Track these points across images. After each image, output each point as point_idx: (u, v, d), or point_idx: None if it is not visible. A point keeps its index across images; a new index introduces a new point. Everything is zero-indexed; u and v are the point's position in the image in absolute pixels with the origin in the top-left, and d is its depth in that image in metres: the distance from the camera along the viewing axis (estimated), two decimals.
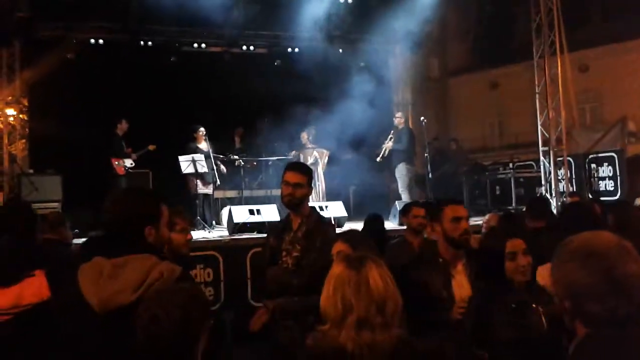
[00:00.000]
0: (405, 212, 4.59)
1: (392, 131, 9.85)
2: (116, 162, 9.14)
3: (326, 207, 8.45)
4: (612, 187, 10.50)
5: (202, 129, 9.26)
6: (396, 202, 9.34)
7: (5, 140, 10.34)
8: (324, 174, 10.04)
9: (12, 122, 10.55)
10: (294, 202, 3.37)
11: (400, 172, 9.56)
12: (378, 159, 9.80)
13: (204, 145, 9.18)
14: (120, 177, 9.17)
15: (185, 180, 9.05)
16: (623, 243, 1.47)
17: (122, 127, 9.44)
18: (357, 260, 1.86)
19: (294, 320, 3.19)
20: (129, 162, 9.27)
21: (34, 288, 2.69)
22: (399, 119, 10.01)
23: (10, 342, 2.59)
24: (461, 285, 3.03)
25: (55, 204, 8.47)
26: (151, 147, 9.51)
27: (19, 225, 3.31)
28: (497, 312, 2.62)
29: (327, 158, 10.05)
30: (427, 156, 9.69)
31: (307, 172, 3.47)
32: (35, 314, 2.63)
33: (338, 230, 3.84)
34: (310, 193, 3.48)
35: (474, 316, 2.75)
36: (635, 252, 1.46)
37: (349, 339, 1.71)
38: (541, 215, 4.48)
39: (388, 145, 9.70)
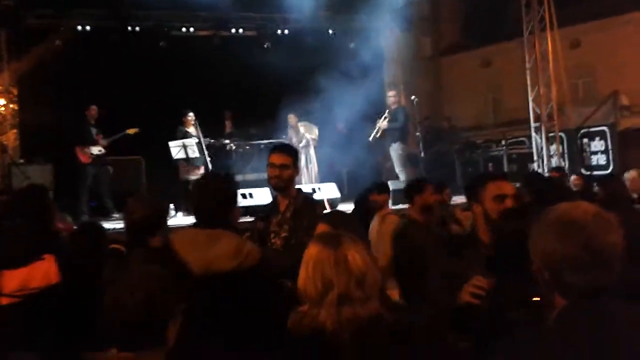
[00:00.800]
0: (418, 189, 4.33)
1: (386, 110, 9.77)
2: (81, 151, 8.65)
3: (319, 188, 8.45)
4: (604, 161, 10.51)
5: (191, 113, 9.20)
6: (389, 182, 9.33)
7: None
8: (317, 155, 10.02)
9: (2, 112, 10.49)
10: (281, 184, 3.36)
11: (396, 151, 9.49)
12: (371, 139, 9.73)
13: (192, 129, 9.13)
14: (87, 166, 8.68)
15: (178, 166, 9.01)
16: (602, 213, 1.46)
17: (91, 113, 8.95)
18: (333, 238, 1.86)
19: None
20: (96, 150, 8.71)
21: (42, 271, 2.71)
22: (393, 98, 9.91)
23: (17, 324, 2.60)
24: None
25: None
26: (131, 131, 8.96)
27: (33, 209, 3.31)
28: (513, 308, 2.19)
29: (316, 134, 10.03)
30: (419, 135, 9.68)
31: (292, 153, 3.47)
32: (43, 298, 2.64)
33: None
34: (297, 174, 3.48)
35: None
36: (615, 223, 1.45)
37: (329, 317, 1.71)
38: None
39: (383, 124, 9.59)
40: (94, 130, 8.82)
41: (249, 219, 6.63)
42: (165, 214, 3.20)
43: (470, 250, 2.56)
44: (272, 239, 3.36)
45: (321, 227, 2.82)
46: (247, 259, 2.39)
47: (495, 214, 2.54)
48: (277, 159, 3.35)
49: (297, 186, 3.61)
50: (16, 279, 2.64)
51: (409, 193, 4.36)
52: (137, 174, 10.57)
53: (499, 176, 2.76)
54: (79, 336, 2.39)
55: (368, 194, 5.26)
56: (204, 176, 2.69)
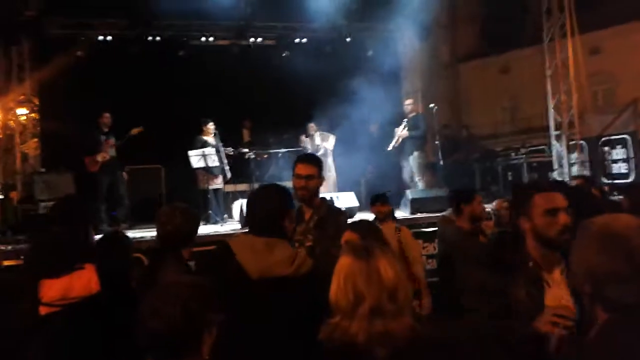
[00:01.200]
0: (467, 199, 4.26)
1: (405, 119, 9.71)
2: (89, 160, 8.58)
3: (337, 197, 8.43)
4: (625, 169, 10.37)
5: (210, 122, 9.23)
6: (407, 191, 9.29)
7: (17, 140, 10.43)
8: (335, 164, 10.01)
9: (23, 122, 10.64)
10: (308, 194, 3.37)
11: (416, 159, 9.44)
12: (390, 148, 9.67)
13: (211, 139, 9.16)
14: (99, 174, 8.59)
15: (195, 175, 9.05)
16: None
17: (103, 120, 8.85)
18: (365, 250, 1.85)
19: None
20: (101, 157, 8.57)
21: (83, 281, 2.70)
22: (411, 106, 9.85)
23: (57, 334, 2.58)
24: (558, 299, 2.23)
25: None
26: (134, 131, 8.83)
27: (74, 218, 3.34)
28: None
29: (333, 142, 10.03)
30: (437, 143, 9.61)
31: (317, 163, 3.46)
32: (84, 308, 2.64)
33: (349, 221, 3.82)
34: (322, 183, 3.47)
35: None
36: None
37: (361, 330, 1.70)
38: None
39: (403, 133, 9.52)
40: (103, 138, 8.75)
41: None
42: (198, 226, 3.22)
43: (518, 267, 2.32)
44: (297, 247, 3.35)
45: (348, 235, 2.82)
46: (302, 267, 2.46)
47: (548, 230, 2.24)
48: (304, 169, 3.35)
49: (320, 195, 3.60)
50: (57, 288, 2.63)
51: (456, 203, 4.29)
52: (157, 183, 10.65)
53: (547, 187, 2.41)
54: (118, 346, 2.39)
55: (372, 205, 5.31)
56: (258, 188, 2.76)
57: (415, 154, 9.40)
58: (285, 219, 2.58)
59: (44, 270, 2.67)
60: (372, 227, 3.03)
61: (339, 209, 3.76)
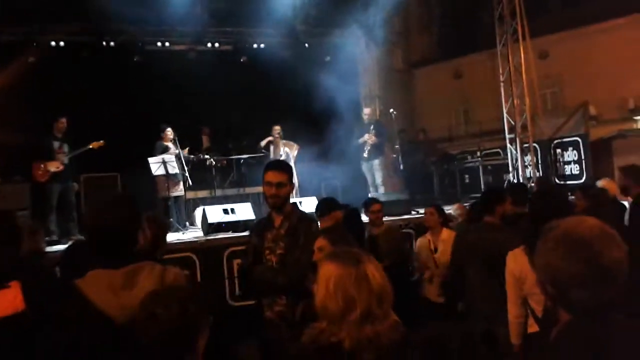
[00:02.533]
0: (500, 199, 4.40)
1: (372, 126, 9.79)
2: (37, 168, 7.97)
3: (300, 202, 8.45)
4: (577, 170, 10.74)
5: (169, 129, 9.12)
6: (369, 194, 9.39)
7: None
8: (297, 169, 10.02)
9: None
10: (279, 202, 3.36)
11: (380, 165, 9.60)
12: (366, 155, 9.71)
13: (171, 145, 9.05)
14: (49, 184, 8.01)
15: (155, 182, 8.91)
16: (607, 229, 1.47)
17: (59, 126, 8.31)
18: (351, 256, 1.88)
19: (280, 319, 3.20)
20: (53, 167, 8.00)
21: (8, 300, 2.62)
22: (369, 115, 10.00)
23: None
24: None
25: (23, 213, 8.23)
26: (95, 145, 8.31)
27: (1, 235, 3.22)
28: None
29: (296, 152, 10.03)
30: (397, 147, 9.76)
31: (288, 170, 3.47)
32: (8, 327, 2.57)
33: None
34: (292, 190, 3.48)
35: None
36: (619, 238, 1.46)
37: (349, 336, 1.73)
38: (523, 200, 4.55)
39: (372, 139, 9.62)
40: (56, 144, 8.20)
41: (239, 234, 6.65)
42: (166, 233, 3.20)
43: None
44: (267, 255, 3.36)
45: (320, 242, 2.85)
46: None
47: None
48: (275, 177, 3.33)
49: (291, 201, 3.63)
50: None
51: (489, 203, 4.38)
52: (113, 191, 10.41)
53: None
54: None
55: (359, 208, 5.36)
56: (94, 202, 2.31)
57: (380, 158, 9.53)
58: (138, 233, 2.12)
59: None
60: (344, 233, 3.08)
61: (311, 217, 3.77)
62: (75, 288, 1.97)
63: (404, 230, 7.20)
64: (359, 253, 1.91)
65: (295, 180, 9.78)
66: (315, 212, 4.90)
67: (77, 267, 3.52)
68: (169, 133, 9.07)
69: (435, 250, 5.50)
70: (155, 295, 1.71)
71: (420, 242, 5.87)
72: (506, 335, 3.49)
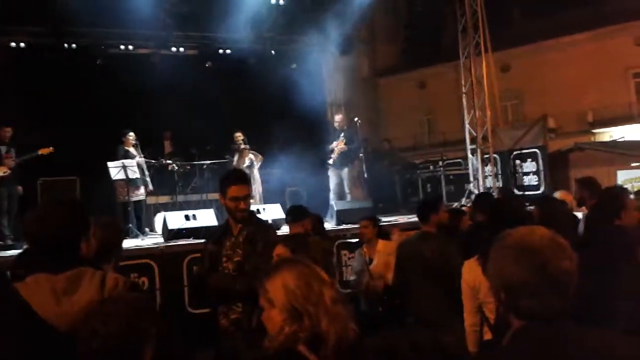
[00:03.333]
0: (435, 208, 4.55)
1: (341, 133, 9.78)
2: None
3: (264, 209, 8.41)
4: (535, 181, 10.99)
5: (131, 133, 8.98)
6: (332, 202, 9.41)
7: None
8: (260, 176, 9.98)
9: None
10: (247, 215, 3.35)
11: (350, 172, 9.58)
12: (331, 162, 9.69)
13: (133, 150, 8.92)
14: None
15: (115, 187, 8.75)
16: (557, 239, 1.51)
17: (4, 134, 8.20)
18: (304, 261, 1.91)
19: (236, 327, 3.17)
20: (1, 171, 7.92)
21: None
22: (339, 123, 9.99)
23: None
24: None
25: None
26: (44, 151, 8.23)
27: None
28: None
29: (260, 162, 9.99)
30: (362, 156, 9.79)
31: (248, 180, 3.51)
32: None
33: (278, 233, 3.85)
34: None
35: None
36: (569, 248, 1.50)
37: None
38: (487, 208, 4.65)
39: (342, 147, 9.61)
40: (3, 149, 8.11)
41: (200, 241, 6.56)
42: (122, 239, 3.14)
43: None
44: (224, 262, 3.32)
45: (280, 250, 2.84)
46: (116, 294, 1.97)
47: None
48: (241, 191, 3.31)
49: (256, 206, 3.62)
50: None
51: (424, 212, 4.48)
52: (71, 195, 10.19)
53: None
54: None
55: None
56: (37, 208, 2.14)
57: (349, 167, 9.52)
58: (82, 239, 2.06)
59: None
60: (303, 241, 3.07)
61: (268, 224, 3.76)
62: (15, 293, 1.86)
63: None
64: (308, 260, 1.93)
65: (258, 185, 9.83)
66: (287, 217, 4.90)
67: (29, 272, 3.45)
68: (130, 138, 8.95)
69: (370, 261, 5.44)
70: (94, 310, 1.65)
71: (356, 254, 5.87)
72: (454, 343, 3.55)
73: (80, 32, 10.55)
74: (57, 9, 9.60)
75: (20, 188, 8.31)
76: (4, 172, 7.94)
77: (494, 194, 10.00)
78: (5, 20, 9.75)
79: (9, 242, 7.71)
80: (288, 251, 2.78)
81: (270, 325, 1.81)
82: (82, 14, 9.23)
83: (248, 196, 3.35)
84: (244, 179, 3.47)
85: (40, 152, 8.22)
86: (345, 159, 9.57)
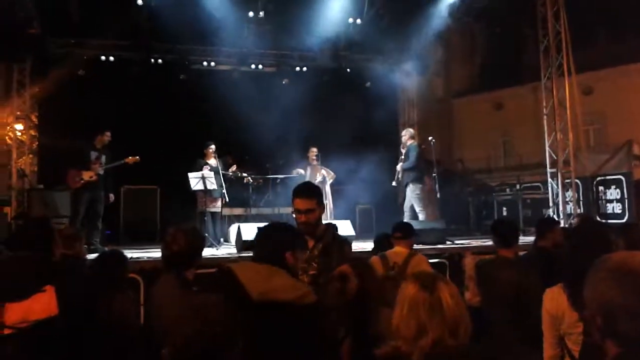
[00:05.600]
0: (550, 226, 4.70)
1: (402, 152, 9.67)
2: (72, 175, 8.11)
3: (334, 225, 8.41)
4: (619, 209, 10.49)
5: (212, 145, 9.24)
6: (405, 222, 9.30)
7: (14, 155, 10.42)
8: (332, 192, 10.05)
9: (20, 137, 10.64)
10: (310, 228, 3.33)
11: (413, 191, 9.20)
12: (394, 183, 9.59)
13: (212, 161, 9.17)
14: (81, 191, 8.09)
15: (194, 197, 9.03)
16: None
17: (103, 139, 8.43)
18: (430, 280, 1.89)
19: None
20: (87, 175, 8.11)
21: (42, 304, 2.69)
22: (404, 138, 9.78)
23: (16, 356, 2.59)
24: None
25: (65, 220, 8.44)
26: (130, 160, 8.43)
27: (37, 240, 3.31)
28: None
29: (332, 180, 10.04)
30: (435, 176, 9.61)
31: (315, 194, 3.43)
32: (41, 330, 2.63)
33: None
34: (323, 212, 3.45)
35: None
36: None
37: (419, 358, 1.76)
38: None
39: (398, 166, 9.47)
40: (93, 155, 8.30)
41: None
42: (202, 248, 3.24)
43: None
44: (300, 275, 3.34)
45: (344, 269, 2.85)
46: (305, 297, 2.45)
47: None
48: (302, 204, 3.32)
49: (324, 221, 3.61)
50: (19, 311, 2.63)
51: (541, 228, 4.65)
52: (152, 203, 10.63)
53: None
54: None
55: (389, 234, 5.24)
56: (269, 224, 2.86)
57: (411, 186, 9.24)
58: (288, 254, 2.61)
59: (5, 294, 2.67)
60: (369, 265, 3.09)
61: (344, 238, 3.72)
62: (228, 267, 2.45)
63: (436, 260, 7.05)
64: (436, 277, 1.92)
65: (329, 201, 9.88)
66: (395, 234, 4.74)
67: (110, 275, 3.64)
68: (211, 150, 9.15)
69: None
70: (197, 313, 1.71)
71: None
72: None
73: (166, 48, 11.06)
74: (144, 24, 10.13)
75: (111, 196, 8.47)
76: (90, 177, 8.12)
77: (571, 220, 9.61)
78: (95, 35, 10.37)
79: (93, 247, 7.86)
80: (354, 274, 2.79)
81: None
82: (169, 30, 9.67)
83: (310, 210, 3.30)
84: (307, 192, 3.43)
85: (127, 160, 8.40)
86: (405, 178, 9.32)
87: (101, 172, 8.23)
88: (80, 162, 8.16)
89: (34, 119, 10.94)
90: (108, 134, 8.47)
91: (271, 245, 2.65)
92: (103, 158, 8.38)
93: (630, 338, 1.42)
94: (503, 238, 4.26)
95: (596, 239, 3.31)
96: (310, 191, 3.48)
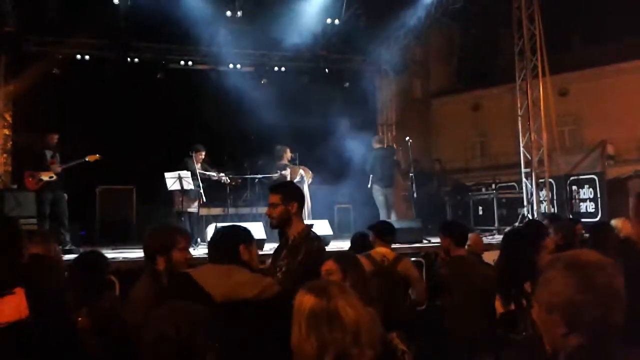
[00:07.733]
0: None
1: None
2: (29, 176, 7.86)
3: (312, 225, 8.42)
4: (592, 208, 10.66)
5: (203, 152, 8.94)
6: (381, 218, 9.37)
7: None
8: (310, 192, 10.05)
9: None
10: (273, 222, 3.42)
11: (374, 194, 9.53)
12: (369, 185, 9.74)
13: (199, 165, 8.95)
14: (41, 192, 7.88)
15: (171, 197, 8.95)
16: (608, 260, 1.54)
17: (53, 137, 8.15)
18: (322, 288, 1.79)
19: None
20: (46, 176, 7.85)
21: (12, 306, 2.65)
22: (373, 143, 10.04)
23: None
24: None
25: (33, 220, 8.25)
26: (91, 158, 8.10)
27: (3, 241, 3.24)
28: None
29: (310, 179, 10.06)
30: (412, 175, 9.71)
31: (280, 190, 3.47)
32: (12, 333, 2.59)
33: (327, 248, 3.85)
34: (291, 209, 3.44)
35: None
36: (619, 269, 1.53)
37: None
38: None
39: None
40: (49, 154, 8.04)
41: None
42: (172, 244, 3.25)
43: None
44: (277, 273, 3.37)
45: (329, 265, 2.82)
46: (266, 291, 2.56)
47: None
48: (269, 198, 3.44)
49: (307, 222, 3.63)
50: None
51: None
52: (128, 203, 10.54)
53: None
54: None
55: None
56: (219, 228, 3.27)
57: (373, 187, 9.48)
58: (241, 248, 2.77)
59: None
60: (355, 260, 3.03)
61: (313, 236, 3.70)
62: (186, 274, 2.62)
63: (413, 259, 7.12)
64: (331, 285, 1.82)
65: (308, 202, 9.88)
66: (377, 233, 4.78)
67: (92, 275, 3.62)
68: (201, 156, 8.93)
69: None
70: (167, 314, 1.69)
71: None
72: None
73: (142, 47, 10.97)
74: (121, 23, 10.03)
75: (65, 195, 8.16)
76: (50, 177, 7.90)
77: (545, 221, 9.74)
78: (71, 33, 10.24)
79: (67, 247, 7.74)
80: (339, 269, 2.73)
81: None
82: (146, 28, 9.60)
83: (274, 205, 3.37)
84: (273, 187, 3.56)
85: (87, 158, 8.13)
86: (370, 181, 9.56)
87: (59, 170, 7.97)
88: (37, 163, 7.94)
89: (8, 118, 10.77)
90: (54, 136, 8.21)
91: (223, 243, 2.81)
92: (57, 157, 8.11)
93: (596, 329, 1.47)
94: (457, 239, 4.42)
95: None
96: (277, 187, 3.57)
